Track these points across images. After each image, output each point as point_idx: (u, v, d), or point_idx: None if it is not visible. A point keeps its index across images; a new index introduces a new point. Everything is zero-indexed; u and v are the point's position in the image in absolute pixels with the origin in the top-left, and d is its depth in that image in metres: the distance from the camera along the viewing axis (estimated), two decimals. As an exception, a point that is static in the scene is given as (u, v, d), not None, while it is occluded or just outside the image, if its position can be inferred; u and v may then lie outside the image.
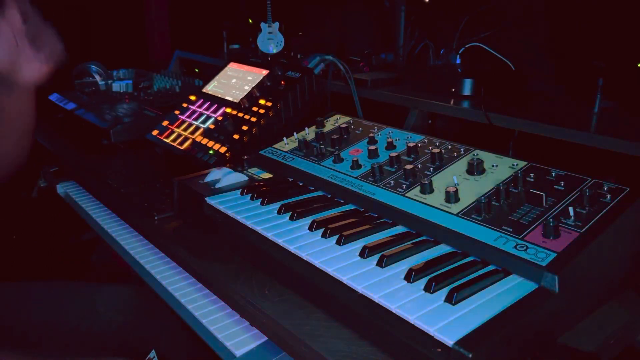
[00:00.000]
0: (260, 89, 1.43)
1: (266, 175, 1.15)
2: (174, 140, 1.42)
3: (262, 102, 1.39)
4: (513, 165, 0.94)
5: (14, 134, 1.13)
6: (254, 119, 1.35)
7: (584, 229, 0.76)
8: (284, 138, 1.23)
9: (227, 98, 1.49)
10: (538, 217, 0.80)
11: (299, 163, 1.13)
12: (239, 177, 1.12)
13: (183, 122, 1.48)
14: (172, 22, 2.61)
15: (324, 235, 0.87)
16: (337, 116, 1.30)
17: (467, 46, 1.70)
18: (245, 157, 1.20)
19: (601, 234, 0.75)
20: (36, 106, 1.09)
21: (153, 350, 1.20)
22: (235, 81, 1.54)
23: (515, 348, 0.67)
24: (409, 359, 0.67)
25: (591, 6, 1.48)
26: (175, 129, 1.46)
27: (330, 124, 1.27)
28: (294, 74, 1.43)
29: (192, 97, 1.56)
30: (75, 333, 1.23)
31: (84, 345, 1.20)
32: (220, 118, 1.42)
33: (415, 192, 0.93)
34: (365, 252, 0.81)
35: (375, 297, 0.71)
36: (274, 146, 1.22)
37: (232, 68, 1.61)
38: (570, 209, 0.79)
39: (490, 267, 0.77)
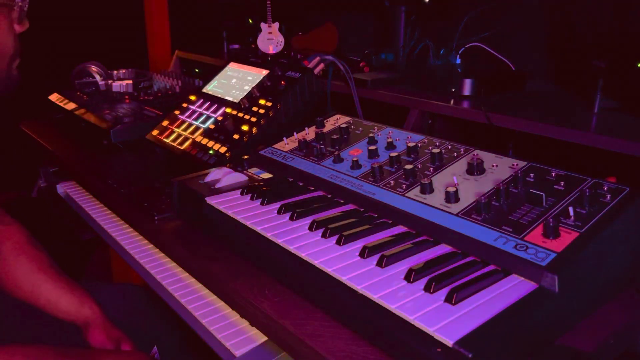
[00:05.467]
0: (260, 89, 1.43)
1: (266, 175, 1.14)
2: (174, 140, 1.42)
3: (262, 102, 1.39)
4: (513, 165, 0.94)
5: None
6: (254, 119, 1.35)
7: (584, 229, 0.76)
8: (284, 138, 1.23)
9: (227, 98, 1.49)
10: (538, 217, 0.80)
11: (299, 163, 1.13)
12: (239, 177, 1.12)
13: (183, 122, 1.48)
14: (172, 22, 2.61)
15: (324, 235, 0.87)
16: (337, 116, 1.30)
17: (467, 46, 1.70)
18: (245, 157, 1.20)
19: (601, 234, 0.75)
20: (9, 30, 1.08)
21: (155, 347, 1.20)
22: (235, 81, 1.54)
23: (515, 348, 0.67)
24: (409, 359, 0.67)
25: (591, 6, 1.48)
26: (175, 129, 1.46)
27: (330, 124, 1.27)
28: (294, 74, 1.43)
29: (192, 97, 1.57)
30: (75, 331, 1.23)
31: (83, 344, 1.20)
32: (220, 118, 1.42)
33: (415, 192, 0.93)
34: (365, 252, 0.81)
35: (375, 297, 0.71)
36: (274, 146, 1.22)
37: (232, 68, 1.62)
38: (570, 209, 0.79)
39: (490, 267, 0.77)
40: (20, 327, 1.28)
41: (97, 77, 1.91)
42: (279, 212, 0.96)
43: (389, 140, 1.10)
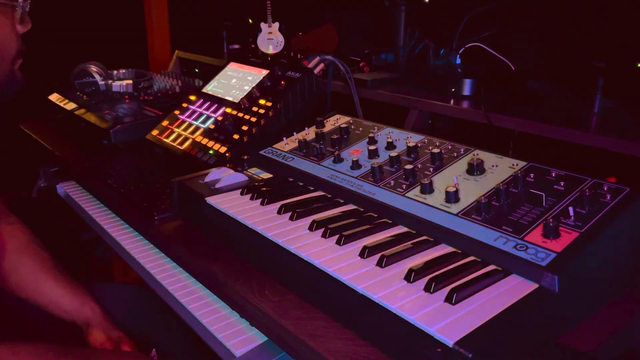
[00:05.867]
0: (260, 89, 1.43)
1: (266, 175, 1.14)
2: (174, 140, 1.42)
3: (262, 102, 1.39)
4: (513, 165, 0.94)
5: None
6: (254, 119, 1.35)
7: (584, 229, 0.76)
8: (284, 138, 1.23)
9: (227, 98, 1.49)
10: (538, 217, 0.80)
11: (299, 163, 1.13)
12: (239, 177, 1.12)
13: (183, 122, 1.48)
14: (172, 22, 2.61)
15: (324, 235, 0.87)
16: (337, 116, 1.30)
17: (467, 46, 1.70)
18: (245, 157, 1.20)
19: (601, 234, 0.75)
20: (12, 31, 1.08)
21: (154, 350, 1.20)
22: (235, 81, 1.54)
23: (515, 348, 0.67)
24: (409, 359, 0.67)
25: (591, 6, 1.48)
26: (175, 129, 1.46)
27: (330, 124, 1.27)
28: (294, 74, 1.43)
29: (192, 97, 1.57)
30: (75, 332, 1.23)
31: (83, 344, 1.20)
32: (220, 118, 1.42)
33: (415, 192, 0.93)
34: (365, 252, 0.81)
35: (375, 297, 0.71)
36: (274, 146, 1.22)
37: (232, 68, 1.61)
38: (570, 209, 0.79)
39: (490, 267, 0.77)
40: (22, 325, 1.28)
41: (97, 77, 1.91)
42: (279, 212, 0.96)
43: (389, 140, 1.10)
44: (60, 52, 2.31)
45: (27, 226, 1.32)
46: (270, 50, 1.99)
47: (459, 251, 0.82)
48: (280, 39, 1.98)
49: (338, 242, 0.85)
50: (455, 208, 0.86)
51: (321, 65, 1.68)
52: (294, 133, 1.25)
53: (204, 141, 1.35)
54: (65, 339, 1.24)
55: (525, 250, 0.74)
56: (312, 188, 1.07)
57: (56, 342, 1.12)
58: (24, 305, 1.26)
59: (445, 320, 0.65)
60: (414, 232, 0.88)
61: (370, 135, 1.14)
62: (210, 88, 1.58)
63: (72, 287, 1.25)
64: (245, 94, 1.45)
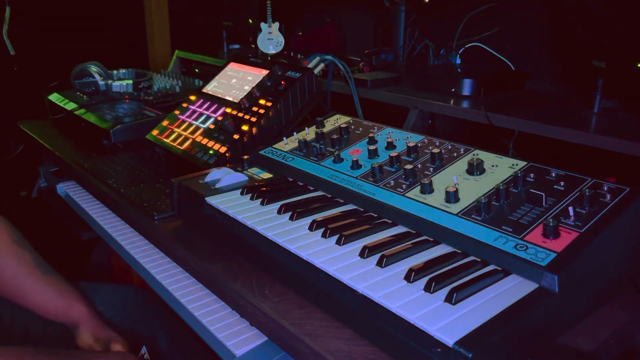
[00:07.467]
0: (260, 89, 1.43)
1: (266, 175, 1.14)
2: (174, 140, 1.42)
3: (262, 102, 1.39)
4: (513, 165, 0.94)
5: None
6: (254, 119, 1.35)
7: (583, 229, 0.76)
8: (284, 138, 1.23)
9: (227, 98, 1.49)
10: (538, 217, 0.80)
11: (299, 163, 1.13)
12: (239, 177, 1.12)
13: (183, 122, 1.48)
14: (172, 22, 2.61)
15: (324, 235, 0.87)
16: (337, 116, 1.30)
17: (467, 46, 1.70)
18: (245, 157, 1.20)
19: (601, 234, 0.75)
20: None
21: (144, 347, 1.20)
22: (235, 81, 1.54)
23: (515, 348, 0.67)
24: (409, 359, 0.67)
25: (591, 6, 1.48)
26: (175, 129, 1.46)
27: (330, 124, 1.27)
28: (294, 74, 1.43)
29: (192, 97, 1.57)
30: (67, 334, 1.23)
31: (75, 346, 1.20)
32: (220, 118, 1.42)
33: (415, 192, 0.93)
34: (365, 252, 0.81)
35: (375, 297, 0.71)
36: (274, 146, 1.22)
37: (232, 68, 1.61)
38: (570, 209, 0.79)
39: (490, 267, 0.77)
40: (11, 322, 1.27)
41: (97, 77, 1.91)
42: (279, 212, 0.96)
43: (389, 140, 1.10)
44: (60, 52, 2.31)
45: (9, 222, 1.27)
46: (270, 50, 1.99)
47: (459, 251, 0.82)
48: (280, 39, 1.98)
49: (338, 242, 0.85)
50: (455, 208, 0.86)
51: (321, 65, 1.68)
52: (294, 133, 1.25)
53: (204, 141, 1.35)
54: (56, 341, 1.23)
55: (525, 250, 0.74)
56: (312, 188, 1.07)
57: (46, 344, 1.11)
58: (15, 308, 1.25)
59: (445, 320, 0.65)
60: (414, 232, 0.88)
61: (370, 135, 1.14)
62: (210, 88, 1.58)
63: (58, 290, 1.22)
64: (245, 94, 1.45)
